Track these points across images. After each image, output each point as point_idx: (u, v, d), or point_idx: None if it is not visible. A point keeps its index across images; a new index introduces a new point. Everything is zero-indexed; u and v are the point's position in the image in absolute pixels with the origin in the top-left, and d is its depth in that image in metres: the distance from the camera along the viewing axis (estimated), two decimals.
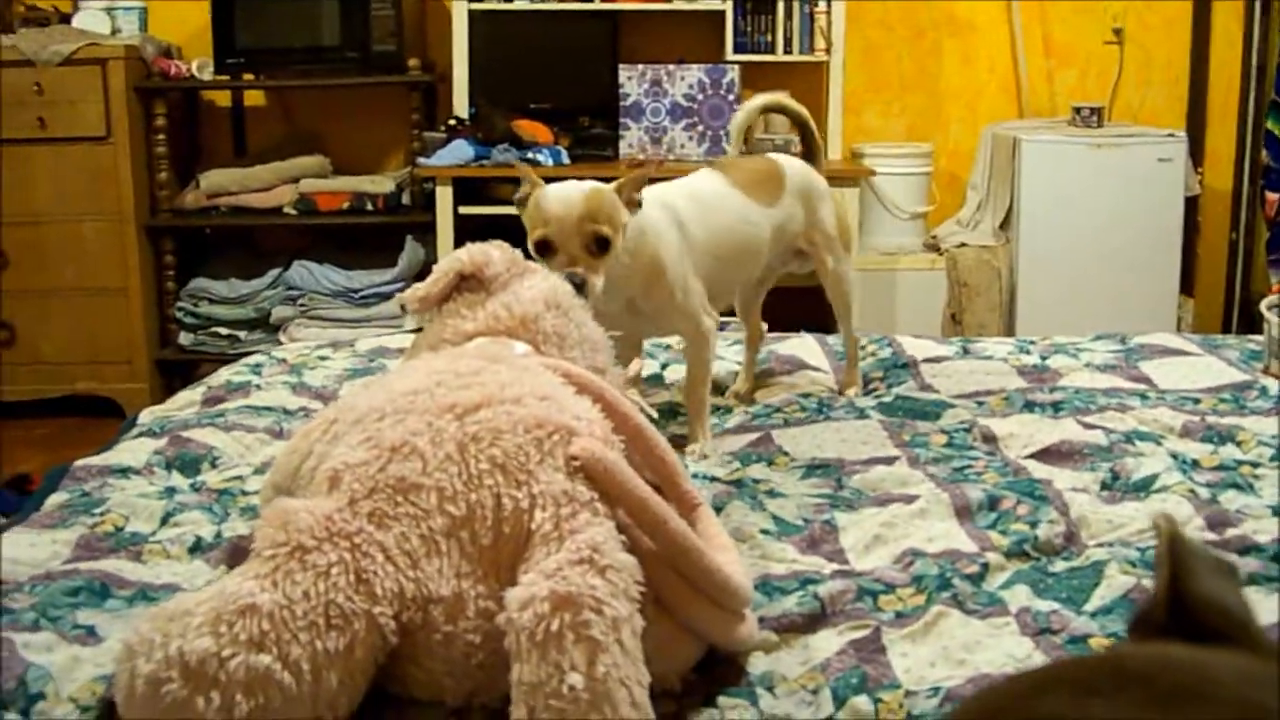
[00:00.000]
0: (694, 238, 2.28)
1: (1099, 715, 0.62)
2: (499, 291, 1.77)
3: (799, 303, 4.62)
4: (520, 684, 1.24)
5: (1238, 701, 0.61)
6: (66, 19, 5.01)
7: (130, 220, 4.90)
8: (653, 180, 2.23)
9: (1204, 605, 0.72)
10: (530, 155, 4.53)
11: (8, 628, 1.49)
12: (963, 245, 5.05)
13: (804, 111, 2.68)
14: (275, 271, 4.99)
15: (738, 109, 2.79)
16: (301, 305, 4.89)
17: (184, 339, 5.04)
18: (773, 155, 2.60)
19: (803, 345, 2.85)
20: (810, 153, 2.65)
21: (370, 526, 1.38)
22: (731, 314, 2.68)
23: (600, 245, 2.05)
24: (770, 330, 2.80)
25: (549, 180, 2.15)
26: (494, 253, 1.78)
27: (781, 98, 2.71)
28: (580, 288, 1.97)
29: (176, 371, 5.03)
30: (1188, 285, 5.24)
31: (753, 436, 2.31)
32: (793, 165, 2.56)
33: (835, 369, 2.73)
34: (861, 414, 2.40)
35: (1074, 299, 4.93)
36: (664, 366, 2.79)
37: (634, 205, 2.12)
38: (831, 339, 2.91)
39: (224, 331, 5.00)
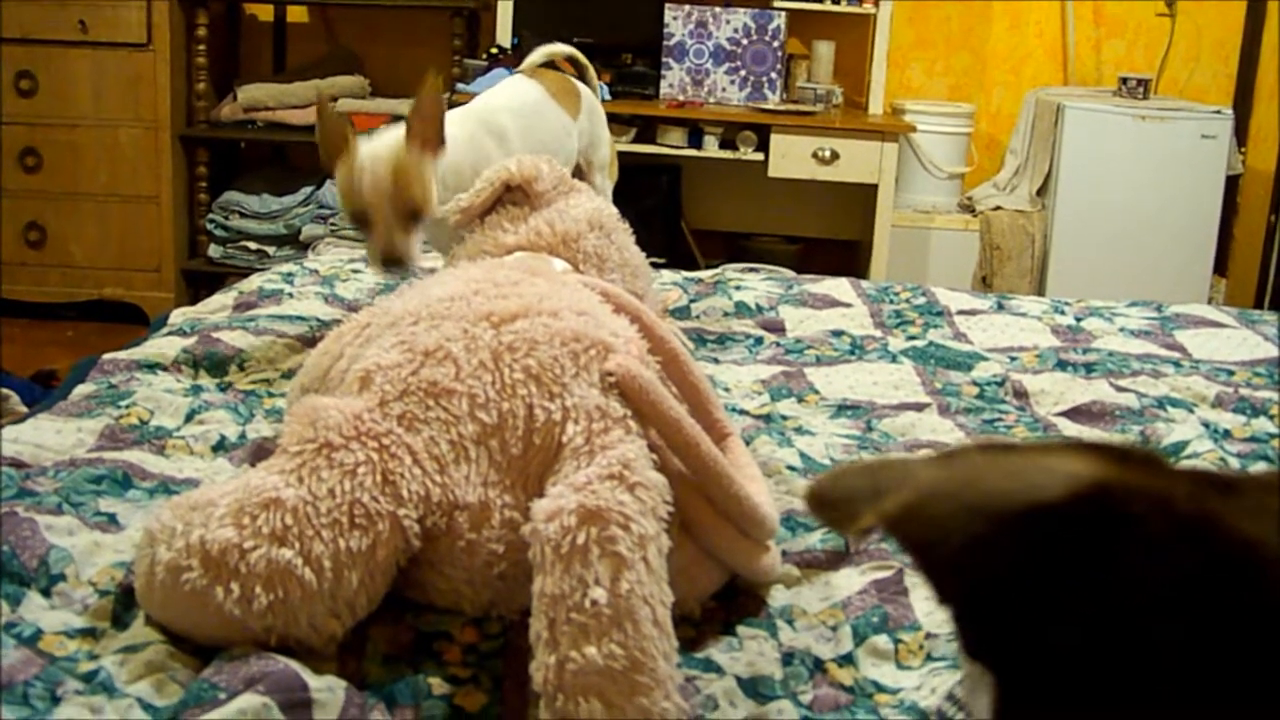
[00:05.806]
0: (514, 151, 2.25)
1: None
2: (543, 208, 1.75)
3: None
4: (542, 596, 1.22)
5: None
6: None
7: (166, 129, 4.88)
8: (454, 105, 2.24)
9: None
10: None
11: (31, 509, 1.49)
12: (998, 209, 5.01)
13: (586, 62, 2.81)
14: (308, 189, 4.96)
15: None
16: (332, 224, 4.87)
17: (213, 251, 5.03)
18: (566, 75, 2.69)
19: (838, 287, 2.82)
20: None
21: (399, 429, 1.37)
22: None
23: (415, 217, 2.03)
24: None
25: None
26: (543, 167, 1.77)
27: (572, 51, 2.83)
28: (399, 263, 2.00)
29: (203, 282, 5.02)
30: (1221, 265, 5.19)
31: (784, 370, 2.30)
32: (582, 85, 2.68)
33: (873, 310, 2.70)
34: (894, 358, 2.38)
35: (1106, 269, 4.88)
36: (692, 301, 2.77)
37: (435, 148, 2.05)
38: (865, 283, 2.88)
39: (253, 246, 4.98)
